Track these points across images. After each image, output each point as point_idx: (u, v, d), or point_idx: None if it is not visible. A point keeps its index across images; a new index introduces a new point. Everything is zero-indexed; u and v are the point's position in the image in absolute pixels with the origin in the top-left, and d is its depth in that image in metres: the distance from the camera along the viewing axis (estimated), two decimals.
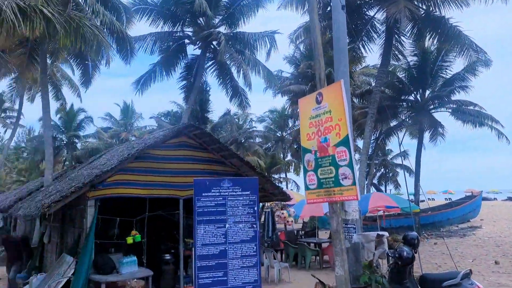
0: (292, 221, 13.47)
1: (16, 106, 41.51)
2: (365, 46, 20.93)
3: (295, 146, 40.75)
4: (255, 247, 6.06)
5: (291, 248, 13.06)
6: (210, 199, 6.06)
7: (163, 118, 27.80)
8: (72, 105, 45.69)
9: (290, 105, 33.65)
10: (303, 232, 16.30)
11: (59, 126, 47.08)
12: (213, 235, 5.96)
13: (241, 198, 6.14)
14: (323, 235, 16.69)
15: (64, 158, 49.70)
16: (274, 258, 10.81)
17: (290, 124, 46.00)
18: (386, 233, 8.37)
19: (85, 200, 8.89)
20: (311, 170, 7.32)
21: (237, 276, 5.92)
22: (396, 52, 21.50)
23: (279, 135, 46.25)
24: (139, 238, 9.35)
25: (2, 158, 33.25)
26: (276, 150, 44.13)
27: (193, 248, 5.87)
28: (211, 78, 23.66)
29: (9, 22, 10.11)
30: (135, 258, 9.10)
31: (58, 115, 47.09)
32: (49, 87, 35.14)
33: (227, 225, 6.04)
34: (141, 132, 49.34)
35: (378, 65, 21.41)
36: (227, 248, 5.98)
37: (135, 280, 7.56)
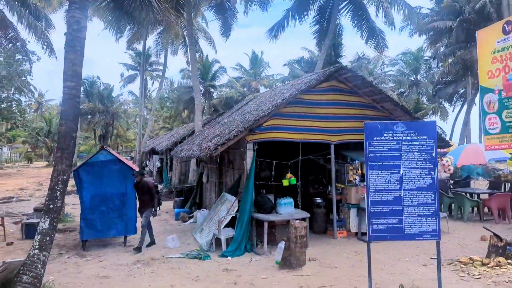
0: (452, 170, 12.50)
1: (160, 60, 45.47)
2: None
3: (431, 91, 37.37)
4: (433, 195, 5.64)
5: (446, 197, 12.20)
6: (383, 143, 5.75)
7: (296, 65, 27.65)
8: (207, 56, 47.99)
9: (429, 45, 30.60)
10: (451, 181, 15.07)
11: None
12: (387, 180, 5.70)
13: (417, 143, 5.70)
14: (477, 185, 15.20)
15: (203, 107, 53.60)
16: None
17: (425, 67, 42.13)
18: None
19: (244, 144, 9.33)
20: (493, 113, 6.47)
21: (414, 224, 5.63)
22: None
23: (413, 79, 42.83)
24: (294, 181, 9.59)
25: (154, 108, 37.06)
26: (410, 95, 41.12)
27: (365, 194, 5.71)
28: (344, 19, 22.41)
29: None
30: (291, 199, 9.41)
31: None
32: (187, 40, 37.52)
33: (401, 171, 5.71)
34: (270, 81, 50.29)
35: None
36: (402, 195, 5.68)
37: (298, 220, 7.80)
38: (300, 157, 9.73)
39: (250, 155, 9.35)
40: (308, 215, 9.19)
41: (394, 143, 5.78)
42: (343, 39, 26.37)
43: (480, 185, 16.20)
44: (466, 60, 23.76)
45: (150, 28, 27.89)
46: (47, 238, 6.05)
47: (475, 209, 12.27)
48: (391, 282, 6.70)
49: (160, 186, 21.12)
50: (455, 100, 38.26)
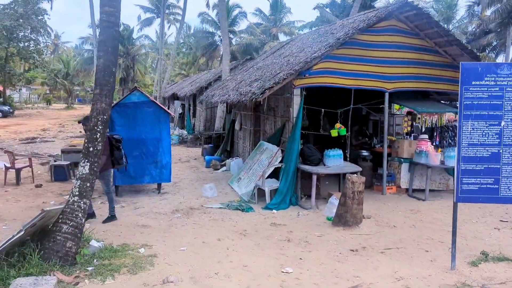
0: None
1: (179, 3, 43.58)
2: None
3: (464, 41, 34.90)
4: None
5: None
6: (483, 89, 4.83)
7: (327, 9, 25.86)
8: (228, 1, 45.87)
9: None
10: None
11: (215, 22, 48.36)
12: (484, 133, 4.84)
13: None
14: None
15: (221, 53, 52.00)
16: None
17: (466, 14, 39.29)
18: None
19: (291, 89, 8.44)
20: None
21: None
22: None
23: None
24: (344, 131, 8.78)
25: (174, 53, 35.89)
26: None
27: (456, 148, 4.88)
28: None
29: None
30: (340, 151, 8.63)
31: (215, 11, 48.11)
32: None
33: (503, 123, 4.83)
34: (291, 28, 48.17)
35: None
36: (501, 151, 4.84)
37: (356, 175, 7.07)
38: (351, 105, 8.81)
39: (297, 101, 8.47)
40: (359, 169, 8.43)
41: (497, 89, 4.85)
42: None
43: None
44: None
45: None
46: (88, 184, 5.40)
47: None
48: (465, 247, 5.99)
49: (172, 130, 20.13)
50: (487, 52, 36.07)
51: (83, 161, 5.45)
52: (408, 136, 10.26)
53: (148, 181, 9.28)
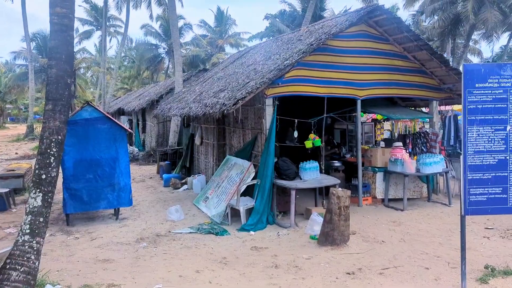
0: None
1: (121, 15, 41.96)
2: None
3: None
4: None
5: None
6: (487, 91, 4.51)
7: (278, 19, 25.73)
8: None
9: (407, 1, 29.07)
10: None
11: (160, 34, 47.21)
12: (490, 139, 4.51)
13: None
14: None
15: (167, 65, 50.68)
16: None
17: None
18: None
19: (263, 99, 7.86)
20: None
21: None
22: None
23: None
24: (319, 142, 8.30)
25: (117, 67, 34.34)
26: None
27: (461, 157, 4.50)
28: None
29: None
30: (317, 164, 8.13)
31: (159, 22, 47.01)
32: None
33: (508, 127, 4.53)
34: (237, 39, 48.03)
35: None
36: (508, 158, 4.53)
37: (341, 189, 6.57)
38: (325, 114, 8.38)
39: (269, 112, 7.89)
40: (338, 181, 7.97)
41: (501, 91, 4.53)
42: None
43: None
44: (456, 15, 22.71)
45: None
46: (40, 219, 4.44)
47: None
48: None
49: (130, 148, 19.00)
50: None
51: (34, 191, 4.48)
52: (376, 145, 10.02)
53: (104, 206, 8.24)
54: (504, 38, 28.76)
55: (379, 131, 9.94)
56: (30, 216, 4.41)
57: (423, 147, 9.34)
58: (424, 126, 9.35)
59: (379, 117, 13.56)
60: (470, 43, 27.09)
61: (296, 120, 8.17)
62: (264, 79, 7.49)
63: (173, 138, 17.02)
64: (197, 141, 11.86)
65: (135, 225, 7.95)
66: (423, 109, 10.61)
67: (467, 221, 7.50)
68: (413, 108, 10.62)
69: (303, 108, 9.33)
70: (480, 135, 4.53)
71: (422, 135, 9.39)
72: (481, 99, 4.53)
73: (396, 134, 9.47)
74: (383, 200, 9.01)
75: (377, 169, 9.01)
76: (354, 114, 8.91)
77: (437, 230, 7.14)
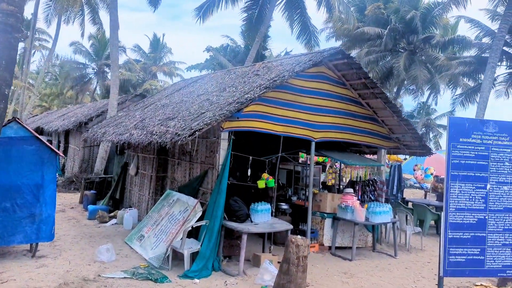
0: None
1: (49, 29, 39.51)
2: None
3: None
4: None
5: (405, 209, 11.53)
6: (470, 147, 4.39)
7: (220, 53, 25.55)
8: (104, 32, 43.45)
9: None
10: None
11: (90, 54, 45.27)
12: (470, 197, 4.35)
13: (509, 150, 4.46)
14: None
15: (94, 87, 48.23)
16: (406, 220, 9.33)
17: None
18: None
19: (218, 132, 7.29)
20: None
21: (497, 257, 4.36)
22: None
23: None
24: (272, 183, 7.84)
25: (39, 83, 31.81)
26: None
27: (442, 213, 4.27)
28: (275, 12, 21.31)
29: None
30: (269, 206, 7.62)
31: (90, 42, 45.17)
32: (86, 9, 32.91)
33: (488, 186, 4.41)
34: (171, 68, 47.44)
35: None
36: (486, 217, 4.38)
37: (300, 237, 6.08)
38: (280, 153, 8.00)
39: (224, 146, 7.32)
40: (290, 226, 7.51)
41: (483, 148, 4.45)
42: (269, 31, 25.11)
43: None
44: (389, 68, 24.36)
45: None
46: None
47: None
48: None
49: None
50: None
51: None
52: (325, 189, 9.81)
53: (20, 241, 6.95)
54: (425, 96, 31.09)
55: (331, 175, 9.79)
56: None
57: (371, 195, 9.29)
58: (371, 174, 9.33)
59: (319, 159, 13.62)
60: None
61: (250, 158, 7.67)
62: (223, 111, 6.95)
63: (100, 165, 15.60)
64: (131, 171, 10.83)
65: (56, 265, 6.75)
66: (368, 156, 10.69)
67: (415, 275, 7.45)
68: (359, 155, 10.66)
69: (252, 145, 8.89)
70: (462, 192, 4.37)
71: (371, 182, 9.36)
72: (464, 155, 4.41)
73: (345, 180, 9.35)
74: (329, 247, 8.69)
75: (326, 214, 8.73)
76: (308, 154, 8.63)
77: (389, 284, 6.88)
